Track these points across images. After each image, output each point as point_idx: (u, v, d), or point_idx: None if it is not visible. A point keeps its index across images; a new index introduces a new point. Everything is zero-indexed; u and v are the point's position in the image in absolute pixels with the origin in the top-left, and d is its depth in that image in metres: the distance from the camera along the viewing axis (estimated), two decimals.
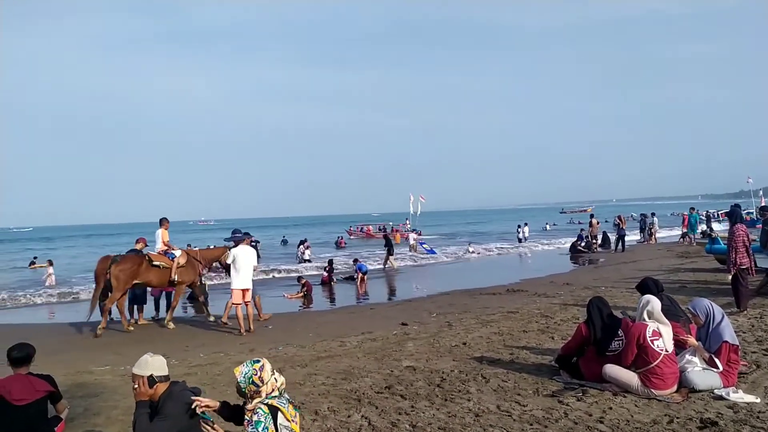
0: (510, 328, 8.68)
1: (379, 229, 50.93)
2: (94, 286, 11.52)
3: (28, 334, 10.76)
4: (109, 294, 10.93)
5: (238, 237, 11.03)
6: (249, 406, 3.32)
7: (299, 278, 16.83)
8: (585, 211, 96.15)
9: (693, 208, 25.98)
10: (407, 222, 47.00)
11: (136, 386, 3.58)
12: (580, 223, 60.06)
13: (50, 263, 23.67)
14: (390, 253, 23.88)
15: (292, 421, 3.33)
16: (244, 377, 3.33)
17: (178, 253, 11.49)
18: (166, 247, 11.59)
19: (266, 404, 3.27)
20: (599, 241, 27.71)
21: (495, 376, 5.95)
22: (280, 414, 3.26)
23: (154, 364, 3.59)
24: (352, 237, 54.35)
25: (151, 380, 3.55)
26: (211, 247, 13.99)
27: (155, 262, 11.12)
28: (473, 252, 29.80)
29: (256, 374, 3.32)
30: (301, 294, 15.65)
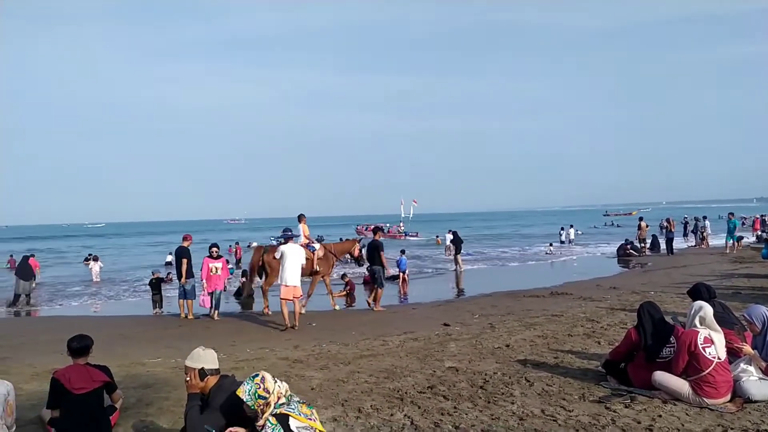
0: (554, 332, 8.55)
1: (377, 230, 53.12)
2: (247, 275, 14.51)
3: (85, 327, 11.29)
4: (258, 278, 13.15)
5: (288, 235, 11.39)
6: (259, 423, 3.27)
7: (343, 276, 16.99)
8: (629, 214, 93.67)
9: (732, 213, 24.78)
10: (401, 224, 49.92)
11: (188, 378, 3.70)
12: (618, 226, 58.79)
13: (95, 259, 24.64)
14: (458, 251, 23.07)
15: (310, 419, 3.32)
16: (250, 395, 3.29)
17: (317, 246, 13.11)
18: (307, 240, 12.97)
19: (274, 415, 3.25)
20: (648, 245, 26.93)
21: (539, 380, 5.88)
22: (291, 419, 3.25)
23: (205, 358, 3.71)
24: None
25: (202, 373, 3.68)
26: (342, 240, 15.67)
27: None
28: (550, 253, 29.23)
29: (259, 388, 3.30)
30: (344, 293, 15.80)
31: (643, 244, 26.34)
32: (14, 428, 4.42)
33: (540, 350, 7.34)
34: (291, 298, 10.59)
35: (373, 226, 19.73)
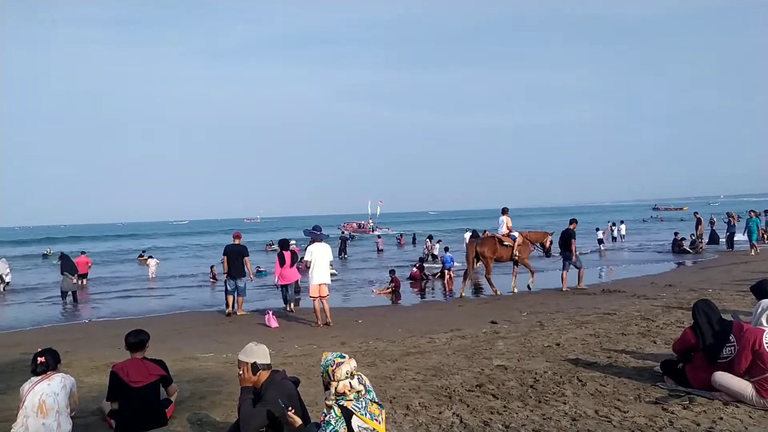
0: (607, 330, 8.30)
1: (359, 226, 59.12)
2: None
3: (140, 322, 11.71)
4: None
5: (317, 234, 11.60)
6: (328, 401, 3.36)
7: (391, 271, 17.00)
8: (681, 209, 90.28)
9: (753, 211, 23.07)
10: (370, 221, 58.53)
11: (241, 372, 3.78)
12: (662, 220, 57.32)
13: (150, 257, 25.53)
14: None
15: (375, 419, 3.34)
16: (324, 364, 3.43)
17: (516, 234, 14.87)
18: (508, 230, 14.89)
19: (340, 406, 3.30)
20: (706, 240, 25.84)
21: (592, 380, 5.72)
22: (355, 417, 3.29)
23: (258, 353, 3.79)
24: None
25: (255, 367, 3.74)
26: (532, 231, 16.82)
27: (505, 242, 14.64)
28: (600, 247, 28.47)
29: (331, 366, 3.38)
30: (389, 289, 15.83)
31: (699, 240, 25.29)
32: (73, 415, 4.62)
33: (592, 349, 7.14)
34: (318, 296, 10.77)
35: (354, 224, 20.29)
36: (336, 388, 3.35)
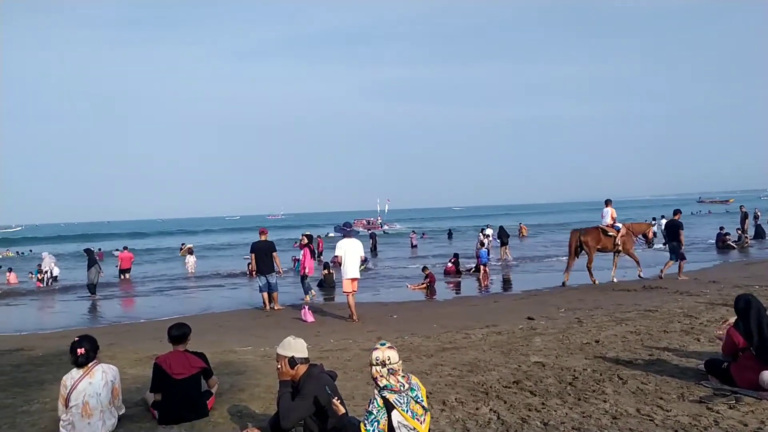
0: (648, 328, 8.11)
1: (368, 223, 59.40)
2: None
3: (181, 316, 12.00)
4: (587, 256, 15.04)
5: (347, 230, 11.71)
6: (375, 387, 3.43)
7: (424, 268, 16.98)
8: (727, 202, 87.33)
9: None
10: (378, 218, 60.45)
11: (279, 366, 3.83)
12: (710, 213, 55.95)
13: (190, 252, 25.92)
14: (504, 243, 24.44)
15: (418, 419, 3.35)
16: (374, 353, 3.50)
17: (620, 225, 15.29)
18: (612, 221, 15.29)
19: (383, 397, 3.33)
20: (751, 235, 24.94)
21: (633, 378, 5.59)
22: (395, 412, 3.31)
23: (296, 346, 3.83)
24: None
25: (292, 361, 3.79)
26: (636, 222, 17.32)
27: (608, 233, 14.99)
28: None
29: (377, 357, 3.46)
30: (424, 285, 15.81)
31: (745, 235, 24.43)
32: (123, 410, 4.74)
33: (633, 347, 6.98)
34: (351, 291, 10.86)
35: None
36: (379, 381, 3.40)
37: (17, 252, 44.62)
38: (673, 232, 14.84)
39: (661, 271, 14.70)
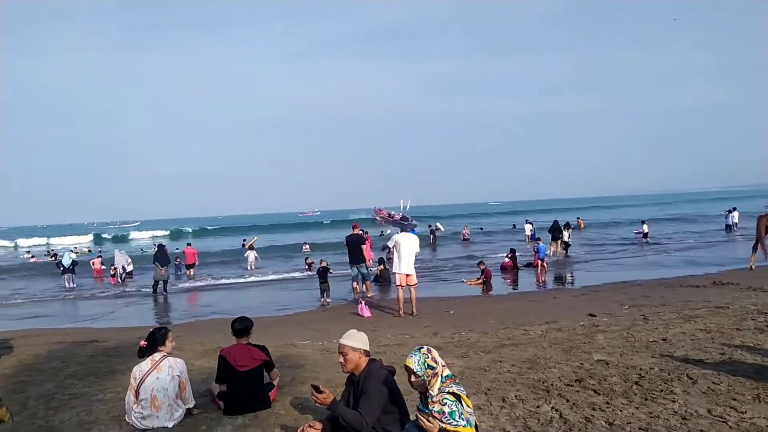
0: (719, 325, 7.72)
1: (389, 215, 57.29)
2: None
3: (243, 310, 12.35)
4: None
5: (404, 225, 11.83)
6: (434, 397, 3.29)
7: (480, 263, 16.81)
8: None
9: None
10: (400, 213, 57.45)
11: (343, 359, 3.87)
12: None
13: (251, 247, 26.50)
14: (554, 238, 23.61)
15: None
16: (420, 365, 3.35)
17: None
18: None
19: (449, 392, 3.30)
20: None
21: (703, 377, 5.34)
22: (462, 401, 3.29)
23: (363, 339, 3.90)
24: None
25: (367, 354, 3.87)
26: None
27: None
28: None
29: (428, 357, 3.37)
30: (481, 280, 15.65)
31: None
32: (193, 403, 4.89)
33: (703, 345, 6.67)
34: (405, 285, 10.85)
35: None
36: (443, 372, 3.35)
37: (89, 250, 46.72)
38: None
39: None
